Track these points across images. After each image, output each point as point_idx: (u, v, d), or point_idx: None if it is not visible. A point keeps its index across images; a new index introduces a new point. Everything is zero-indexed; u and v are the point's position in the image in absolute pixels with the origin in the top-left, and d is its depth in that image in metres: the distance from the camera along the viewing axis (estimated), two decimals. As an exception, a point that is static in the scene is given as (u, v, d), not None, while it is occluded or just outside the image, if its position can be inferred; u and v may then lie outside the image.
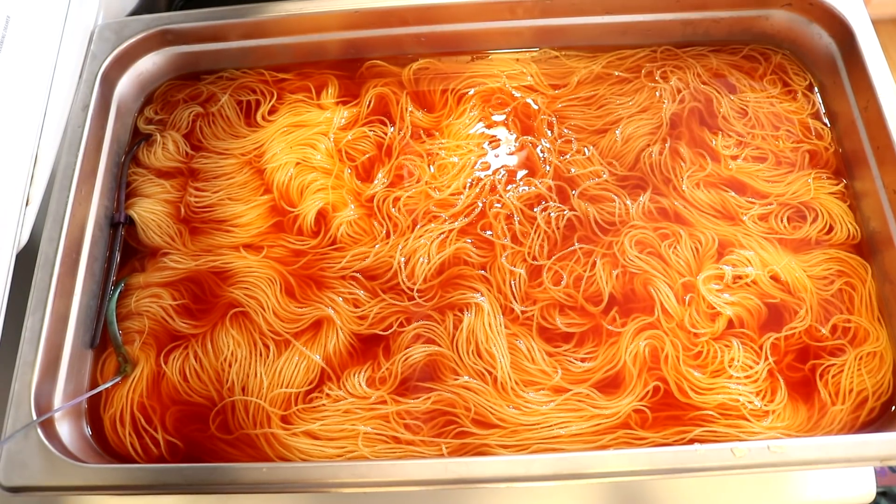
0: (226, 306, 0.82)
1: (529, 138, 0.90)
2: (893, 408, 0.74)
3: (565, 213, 0.85)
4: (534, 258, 0.82)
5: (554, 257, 0.82)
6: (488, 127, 0.92)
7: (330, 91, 0.95)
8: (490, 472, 0.65)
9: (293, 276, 0.83)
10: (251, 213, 0.87)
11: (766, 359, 0.76)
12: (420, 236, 0.84)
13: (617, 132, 0.90)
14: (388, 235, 0.85)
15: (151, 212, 0.87)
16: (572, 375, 0.76)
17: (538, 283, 0.81)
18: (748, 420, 0.73)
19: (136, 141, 0.93)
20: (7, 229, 0.72)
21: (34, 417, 0.69)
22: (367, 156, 0.91)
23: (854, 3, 0.87)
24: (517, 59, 0.97)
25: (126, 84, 0.93)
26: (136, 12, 1.00)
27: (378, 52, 0.97)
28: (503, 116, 0.93)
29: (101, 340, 0.81)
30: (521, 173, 0.89)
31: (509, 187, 0.87)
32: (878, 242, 0.81)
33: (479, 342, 0.77)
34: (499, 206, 0.86)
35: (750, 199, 0.85)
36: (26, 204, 0.76)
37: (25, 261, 0.75)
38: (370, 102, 0.94)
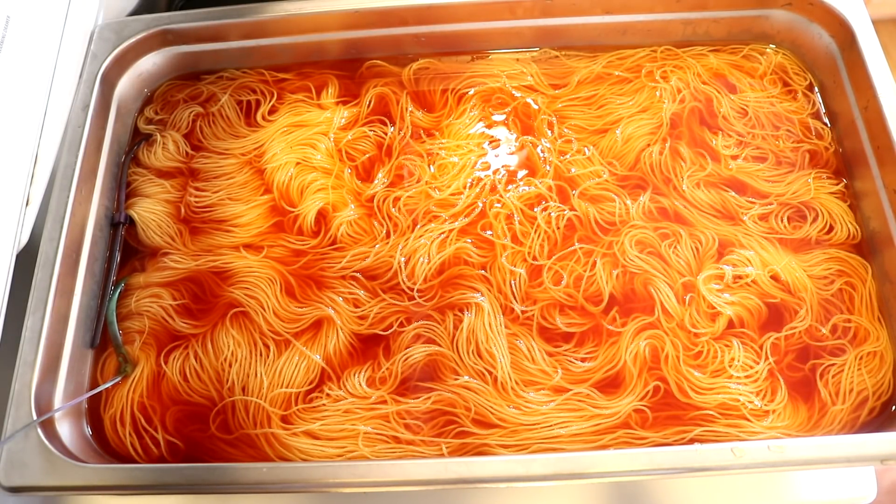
0: (226, 306, 0.82)
1: (529, 138, 0.90)
2: (893, 407, 0.74)
3: (565, 212, 0.85)
4: (534, 258, 0.82)
5: (554, 257, 0.82)
6: (488, 127, 0.92)
7: (330, 91, 0.95)
8: (490, 472, 0.65)
9: (293, 276, 0.83)
10: (251, 213, 0.87)
11: (767, 358, 0.76)
12: (420, 236, 0.84)
13: (617, 132, 0.90)
14: (388, 235, 0.85)
15: (151, 212, 0.87)
16: (572, 375, 0.76)
17: (538, 282, 0.81)
18: (748, 420, 0.73)
19: (136, 141, 0.93)
20: (7, 229, 0.72)
21: (34, 417, 0.69)
22: (367, 156, 0.91)
23: (854, 3, 0.87)
24: (517, 59, 0.97)
25: (126, 84, 0.93)
26: (136, 12, 1.00)
27: (378, 52, 0.97)
28: (503, 116, 0.93)
29: (102, 340, 0.81)
30: (521, 173, 0.89)
31: (509, 187, 0.87)
32: (879, 242, 0.81)
33: (480, 342, 0.77)
34: (499, 205, 0.86)
35: (750, 199, 0.85)
36: (26, 204, 0.76)
37: (25, 261, 0.75)
38: (370, 102, 0.94)
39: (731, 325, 0.78)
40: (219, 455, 0.74)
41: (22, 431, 0.68)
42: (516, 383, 0.75)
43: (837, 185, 0.86)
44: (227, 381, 0.77)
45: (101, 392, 0.78)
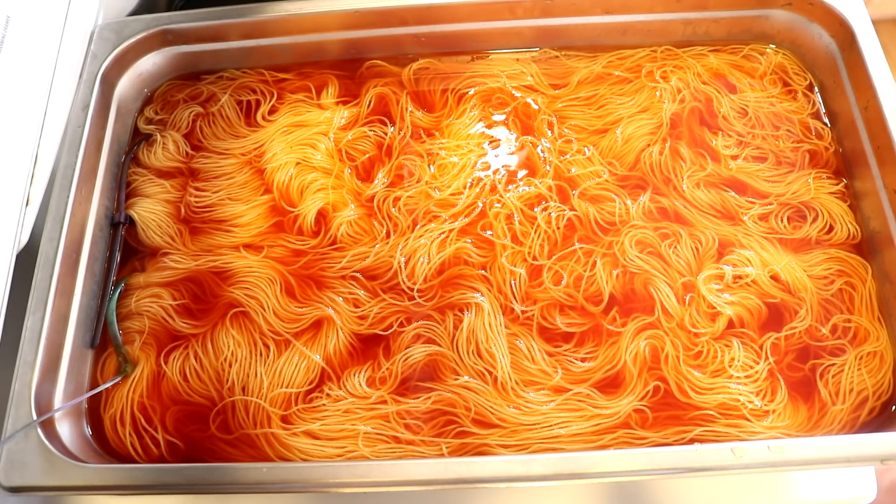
0: (226, 306, 0.82)
1: (529, 138, 0.90)
2: (893, 407, 0.74)
3: (565, 212, 0.85)
4: (534, 258, 0.82)
5: (554, 257, 0.82)
6: (488, 127, 0.92)
7: (330, 91, 0.95)
8: (490, 472, 0.65)
9: (293, 276, 0.83)
10: (251, 213, 0.87)
11: (767, 358, 0.76)
12: (420, 236, 0.84)
13: (617, 132, 0.90)
14: (388, 235, 0.85)
15: (151, 212, 0.87)
16: (572, 375, 0.76)
17: (538, 282, 0.81)
18: (748, 420, 0.73)
19: (136, 141, 0.93)
20: (7, 229, 0.72)
21: (34, 417, 0.69)
22: (367, 156, 0.91)
23: (854, 3, 0.87)
24: (517, 59, 0.97)
25: (126, 84, 0.93)
26: (136, 12, 1.00)
27: (378, 52, 0.97)
28: (503, 116, 0.93)
29: (102, 340, 0.81)
30: (521, 173, 0.89)
31: (509, 187, 0.87)
32: (879, 242, 0.81)
33: (480, 342, 0.77)
34: (499, 205, 0.86)
35: (750, 199, 0.85)
36: (26, 204, 0.76)
37: (25, 261, 0.75)
38: (370, 102, 0.94)
39: (731, 325, 0.78)
40: (219, 455, 0.74)
41: (22, 431, 0.68)
42: (516, 383, 0.75)
43: (837, 185, 0.86)
44: (227, 381, 0.77)
45: (101, 392, 0.78)
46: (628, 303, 0.80)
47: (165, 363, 0.79)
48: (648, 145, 0.89)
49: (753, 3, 0.92)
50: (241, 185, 0.89)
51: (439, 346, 0.78)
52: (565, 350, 0.78)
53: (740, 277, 0.80)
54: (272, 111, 0.94)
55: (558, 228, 0.84)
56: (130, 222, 0.87)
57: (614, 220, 0.84)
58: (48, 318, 0.74)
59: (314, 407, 0.75)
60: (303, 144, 0.90)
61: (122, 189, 0.89)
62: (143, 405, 0.77)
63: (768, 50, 0.95)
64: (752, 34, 0.95)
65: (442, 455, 0.72)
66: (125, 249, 0.87)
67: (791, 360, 0.76)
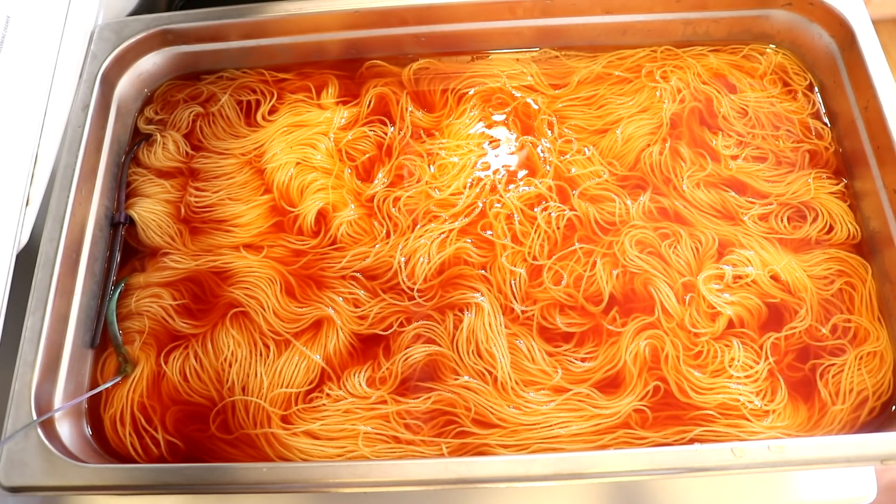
0: (226, 306, 0.82)
1: (530, 138, 0.90)
2: (893, 407, 0.74)
3: (565, 212, 0.85)
4: (534, 258, 0.82)
5: (554, 257, 0.82)
6: (488, 127, 0.92)
7: (330, 91, 0.95)
8: (490, 472, 0.65)
9: (293, 276, 0.83)
10: (251, 213, 0.87)
11: (767, 358, 0.76)
12: (420, 236, 0.84)
13: (617, 132, 0.90)
14: (388, 235, 0.85)
15: (151, 212, 0.87)
16: (572, 375, 0.76)
17: (538, 282, 0.81)
18: (748, 420, 0.73)
19: (136, 141, 0.93)
20: (7, 229, 0.72)
21: (34, 417, 0.69)
22: (367, 156, 0.91)
23: (854, 3, 0.87)
24: (517, 59, 0.97)
25: (126, 84, 0.93)
26: (136, 12, 1.00)
27: (378, 52, 0.97)
28: (503, 116, 0.93)
29: (102, 340, 0.81)
30: (521, 173, 0.89)
31: (510, 187, 0.87)
32: (879, 242, 0.81)
33: (480, 342, 0.77)
34: (499, 205, 0.86)
35: (750, 199, 0.85)
36: (26, 204, 0.76)
37: (25, 261, 0.75)
38: (370, 102, 0.94)
39: (731, 325, 0.78)
40: (219, 455, 0.74)
41: (22, 431, 0.68)
42: (516, 383, 0.75)
43: (837, 185, 0.86)
44: (227, 381, 0.77)
45: (101, 392, 0.78)
46: (628, 303, 0.80)
47: (165, 363, 0.79)
48: (648, 145, 0.89)
49: (753, 3, 0.92)
50: (241, 185, 0.89)
51: (439, 346, 0.78)
52: (565, 350, 0.78)
53: (740, 277, 0.80)
54: (272, 111, 0.94)
55: (558, 228, 0.84)
56: (130, 222, 0.87)
57: (614, 220, 0.84)
58: (48, 318, 0.74)
59: (314, 407, 0.76)
60: (303, 144, 0.90)
61: (122, 189, 0.89)
62: (143, 405, 0.77)
63: (768, 50, 0.95)
64: (752, 34, 0.95)
65: (442, 455, 0.72)
66: (125, 249, 0.87)
67: (791, 360, 0.76)
